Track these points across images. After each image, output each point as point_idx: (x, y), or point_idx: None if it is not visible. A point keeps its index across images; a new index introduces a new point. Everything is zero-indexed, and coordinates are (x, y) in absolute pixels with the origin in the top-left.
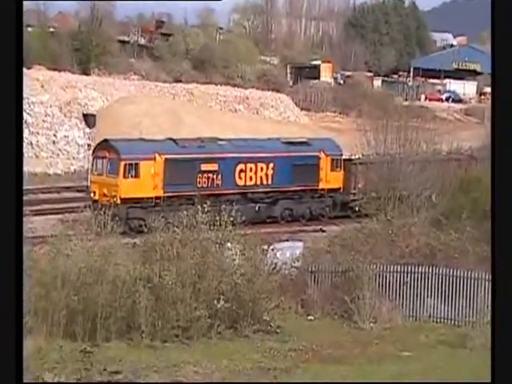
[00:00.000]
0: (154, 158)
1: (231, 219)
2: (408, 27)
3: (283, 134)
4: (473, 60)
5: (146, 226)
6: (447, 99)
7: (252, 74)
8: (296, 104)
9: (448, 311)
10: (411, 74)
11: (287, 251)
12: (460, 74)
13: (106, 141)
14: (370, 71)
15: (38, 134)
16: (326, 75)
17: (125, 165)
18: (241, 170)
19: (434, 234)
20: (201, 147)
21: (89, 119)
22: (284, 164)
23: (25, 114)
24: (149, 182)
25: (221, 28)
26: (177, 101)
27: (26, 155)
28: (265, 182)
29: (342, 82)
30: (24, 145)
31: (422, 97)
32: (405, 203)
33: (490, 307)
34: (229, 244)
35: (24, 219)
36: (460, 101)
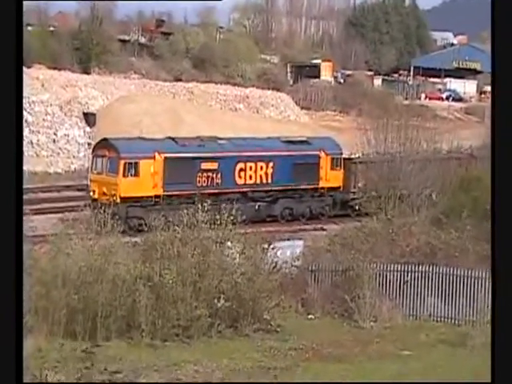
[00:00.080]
0: (154, 157)
1: (231, 218)
2: (408, 26)
3: (283, 133)
4: (473, 59)
5: (145, 224)
6: (447, 98)
7: (252, 73)
8: (296, 103)
9: (448, 310)
10: (411, 72)
11: (287, 250)
12: (460, 73)
13: (105, 139)
14: (370, 70)
15: (38, 132)
16: (326, 74)
17: (124, 163)
18: (241, 169)
19: (435, 233)
20: (200, 146)
21: (89, 118)
22: (284, 163)
23: (25, 113)
24: (148, 180)
25: (221, 27)
26: (177, 100)
27: (26, 154)
28: (265, 181)
29: (342, 80)
30: (24, 144)
31: (423, 96)
32: (405, 202)
33: (490, 306)
34: (229, 243)
35: (24, 218)
36: (460, 100)
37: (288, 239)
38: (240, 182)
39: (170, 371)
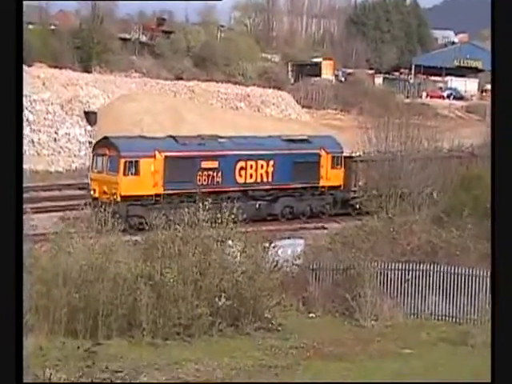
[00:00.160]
0: (154, 156)
1: (232, 217)
2: (409, 25)
3: (284, 132)
4: (474, 57)
5: (146, 223)
6: (448, 96)
7: (253, 72)
8: (297, 101)
9: (449, 309)
10: (412, 71)
11: (288, 249)
12: (461, 72)
13: (106, 138)
14: (371, 69)
15: (39, 131)
16: (327, 73)
17: (125, 162)
18: (241, 168)
19: (436, 232)
20: (201, 145)
21: (90, 117)
22: (284, 161)
23: (26, 112)
24: (149, 179)
25: (222, 26)
26: (178, 98)
27: (27, 153)
28: (265, 180)
29: (343, 79)
30: (25, 142)
31: (424, 94)
32: (406, 201)
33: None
34: (230, 241)
35: (25, 217)
36: (461, 98)
37: (289, 238)
38: (240, 180)
39: (171, 370)
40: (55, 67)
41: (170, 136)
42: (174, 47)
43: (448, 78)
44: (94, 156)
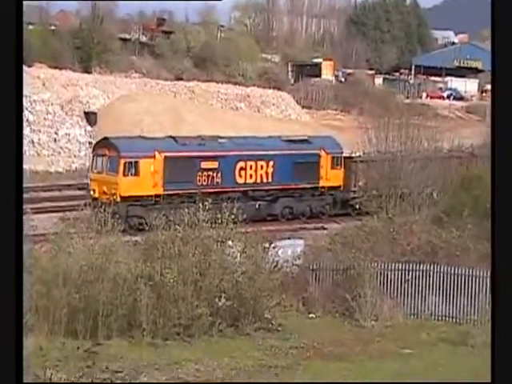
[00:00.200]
0: (154, 156)
1: (232, 217)
2: (409, 25)
3: (284, 132)
4: (474, 57)
5: (146, 223)
6: (448, 97)
7: (253, 72)
8: (297, 102)
9: (449, 309)
10: (412, 71)
11: (288, 249)
12: (461, 72)
13: (105, 139)
14: (371, 69)
15: (39, 132)
16: (327, 73)
17: (124, 163)
18: (241, 168)
19: (436, 232)
20: (201, 145)
21: (90, 117)
22: (284, 162)
23: (26, 112)
24: (148, 179)
25: (222, 26)
26: (178, 99)
27: (27, 153)
28: (265, 180)
29: (343, 79)
30: (25, 143)
31: (424, 94)
32: (406, 201)
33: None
34: (230, 242)
35: (25, 217)
36: (461, 98)
37: (289, 238)
38: (240, 180)
39: (171, 370)
40: (55, 67)
41: (170, 136)
42: (174, 47)
43: (448, 79)
44: (93, 156)
